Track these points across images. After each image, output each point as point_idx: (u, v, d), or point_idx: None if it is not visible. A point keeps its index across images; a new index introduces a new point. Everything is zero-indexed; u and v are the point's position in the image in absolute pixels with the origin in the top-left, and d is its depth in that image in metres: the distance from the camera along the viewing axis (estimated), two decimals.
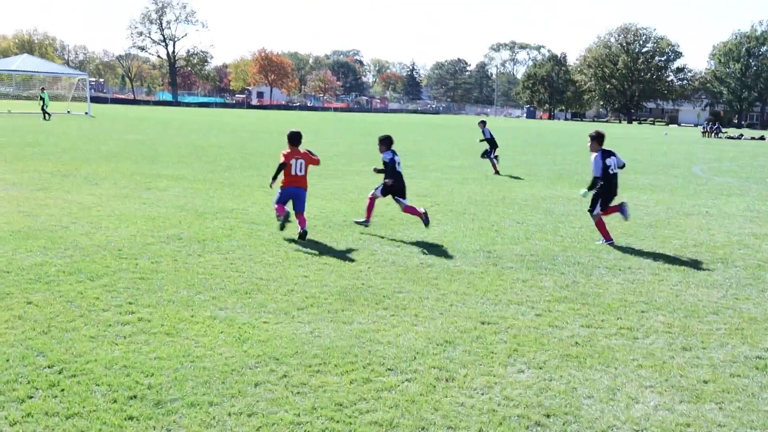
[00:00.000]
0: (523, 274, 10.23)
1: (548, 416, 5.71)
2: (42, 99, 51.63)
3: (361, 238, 12.27)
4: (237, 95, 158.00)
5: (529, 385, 6.28)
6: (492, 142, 25.24)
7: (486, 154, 25.24)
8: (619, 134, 73.12)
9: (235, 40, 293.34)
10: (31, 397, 5.61)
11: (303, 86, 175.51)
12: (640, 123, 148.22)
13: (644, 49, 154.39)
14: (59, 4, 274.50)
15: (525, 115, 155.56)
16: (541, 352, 7.09)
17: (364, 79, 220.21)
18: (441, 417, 5.61)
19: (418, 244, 11.98)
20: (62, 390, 5.76)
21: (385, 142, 13.24)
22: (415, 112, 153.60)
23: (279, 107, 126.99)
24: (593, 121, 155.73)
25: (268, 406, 5.65)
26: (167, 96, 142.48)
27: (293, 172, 12.29)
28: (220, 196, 16.39)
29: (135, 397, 5.69)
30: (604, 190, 12.57)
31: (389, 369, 6.49)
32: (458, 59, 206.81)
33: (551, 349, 7.20)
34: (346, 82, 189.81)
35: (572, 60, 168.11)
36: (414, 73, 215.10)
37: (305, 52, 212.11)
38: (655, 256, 11.72)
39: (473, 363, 6.73)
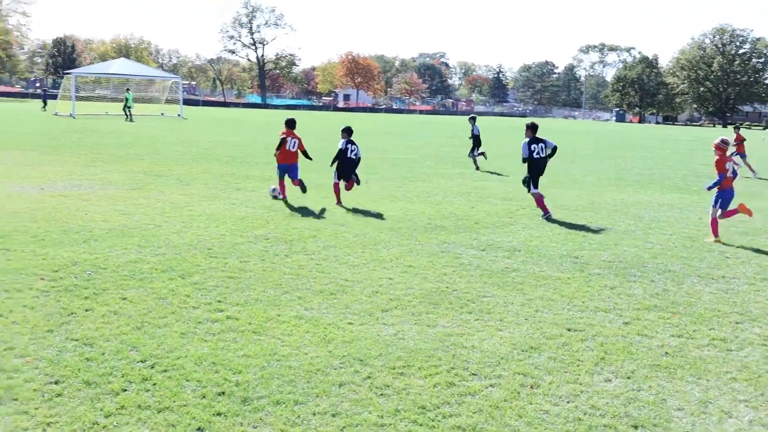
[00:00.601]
0: (611, 280, 10.03)
1: (636, 427, 5.58)
2: (126, 99, 52.83)
3: (446, 241, 12.25)
4: (324, 98, 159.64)
5: (616, 395, 6.15)
6: (477, 140, 26.30)
7: (471, 152, 26.31)
8: (713, 138, 70.75)
9: (322, 43, 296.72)
10: (125, 390, 5.80)
11: (389, 89, 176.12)
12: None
13: (740, 51, 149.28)
14: (155, 9, 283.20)
15: (614, 118, 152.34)
16: (630, 362, 6.93)
17: (449, 81, 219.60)
18: (525, 424, 5.55)
19: (503, 248, 11.89)
20: (154, 384, 5.93)
21: (344, 133, 16.44)
22: (501, 114, 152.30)
23: (365, 110, 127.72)
24: (686, 124, 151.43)
25: (352, 407, 5.69)
26: (256, 98, 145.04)
27: (288, 148, 16.21)
28: (307, 197, 16.60)
29: (223, 393, 5.82)
30: (532, 170, 15.38)
31: (473, 373, 6.46)
32: (546, 61, 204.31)
33: (640, 358, 7.04)
34: (432, 85, 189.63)
35: (664, 62, 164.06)
36: (500, 76, 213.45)
37: (392, 55, 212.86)
38: (751, 266, 11.32)
39: (559, 370, 6.63)
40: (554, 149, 15.61)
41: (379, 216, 14.54)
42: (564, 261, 11.12)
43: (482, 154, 26.46)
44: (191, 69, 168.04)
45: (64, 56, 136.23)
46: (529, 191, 15.54)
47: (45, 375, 6.01)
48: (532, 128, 15.39)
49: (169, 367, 6.27)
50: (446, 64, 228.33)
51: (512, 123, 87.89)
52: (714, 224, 13.40)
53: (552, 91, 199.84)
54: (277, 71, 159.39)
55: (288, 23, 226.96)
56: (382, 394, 5.94)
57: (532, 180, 15.43)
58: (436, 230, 13.25)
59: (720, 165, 13.30)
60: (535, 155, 15.39)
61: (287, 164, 16.29)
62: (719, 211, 13.44)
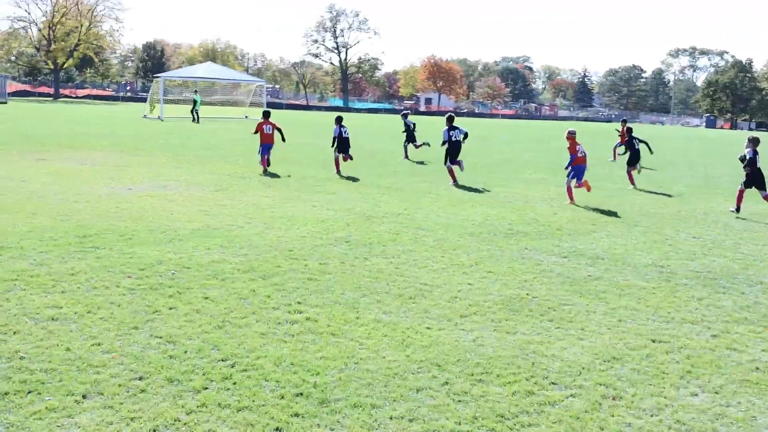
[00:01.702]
0: (698, 291, 9.74)
1: None
2: (194, 102, 53.04)
3: (527, 247, 12.12)
4: (405, 101, 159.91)
5: (703, 410, 5.96)
6: (410, 135, 28.67)
7: (407, 142, 28.68)
8: None
9: (405, 47, 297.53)
10: (206, 389, 5.92)
11: (471, 93, 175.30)
12: None
13: None
14: (242, 14, 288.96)
15: (704, 124, 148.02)
16: (718, 376, 6.71)
17: (533, 86, 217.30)
18: None
19: (585, 255, 11.69)
20: (234, 383, 6.03)
21: (337, 121, 22.94)
22: (585, 119, 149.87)
23: (446, 113, 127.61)
24: None
25: (429, 412, 5.67)
26: (338, 102, 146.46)
27: (266, 132, 22.02)
28: (387, 201, 16.66)
29: (301, 394, 5.88)
30: (450, 150, 21.11)
31: (553, 383, 6.36)
32: (633, 65, 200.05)
33: (729, 373, 6.81)
34: (515, 89, 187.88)
35: (759, 66, 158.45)
36: (585, 80, 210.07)
37: (474, 59, 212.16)
38: None
39: (642, 382, 6.47)
40: (466, 134, 21.66)
41: (459, 221, 14.49)
42: (649, 270, 10.86)
43: (425, 144, 28.78)
44: (275, 73, 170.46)
45: (153, 60, 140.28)
46: (445, 164, 21.26)
47: (130, 371, 6.18)
48: (449, 120, 21.55)
49: (248, 367, 6.37)
50: (530, 68, 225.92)
51: (598, 128, 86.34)
52: (569, 191, 18.02)
53: (639, 95, 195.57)
54: (360, 75, 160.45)
55: (371, 27, 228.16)
56: (459, 401, 5.90)
57: (449, 156, 21.17)
58: (517, 236, 13.12)
59: (572, 149, 17.93)
60: (453, 139, 21.20)
61: (267, 144, 22.04)
62: (574, 182, 17.92)
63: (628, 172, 22.53)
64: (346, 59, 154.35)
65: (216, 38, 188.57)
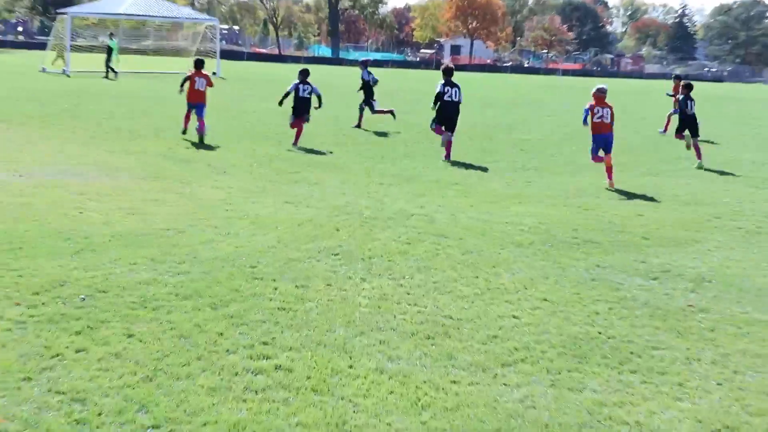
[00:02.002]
0: None
1: None
2: (109, 49, 53.48)
3: (599, 264, 12.08)
4: (422, 50, 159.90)
5: None
6: (368, 90, 30.36)
7: (364, 104, 30.48)
8: None
9: None
10: None
11: (518, 38, 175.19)
12: None
13: None
14: None
15: None
16: None
17: (608, 28, 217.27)
18: None
19: (684, 276, 11.66)
20: None
21: (300, 74, 25.19)
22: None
23: (482, 68, 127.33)
24: None
25: None
26: (325, 51, 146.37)
27: (196, 87, 23.92)
28: (394, 195, 16.63)
29: None
30: (439, 110, 22.89)
31: None
32: (754, 1, 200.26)
33: None
34: (582, 33, 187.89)
35: None
36: (684, 21, 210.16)
37: None
38: None
39: None
40: (459, 101, 23.10)
41: (499, 224, 14.46)
42: None
43: (390, 112, 30.64)
44: (233, 7, 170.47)
45: None
46: (431, 126, 23.30)
47: None
48: (447, 72, 23.17)
49: None
50: (604, 3, 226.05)
51: (702, 90, 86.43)
52: (608, 171, 19.65)
53: (763, 43, 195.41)
54: (356, 11, 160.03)
55: None
56: None
57: (437, 118, 23.01)
58: (584, 247, 13.09)
59: (592, 110, 19.96)
60: (446, 98, 22.86)
61: (195, 103, 23.92)
62: (602, 152, 20.02)
63: (694, 145, 24.37)
64: None
65: None
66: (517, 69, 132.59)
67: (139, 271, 10.49)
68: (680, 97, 25.23)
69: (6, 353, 7.69)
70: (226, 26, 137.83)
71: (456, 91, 22.91)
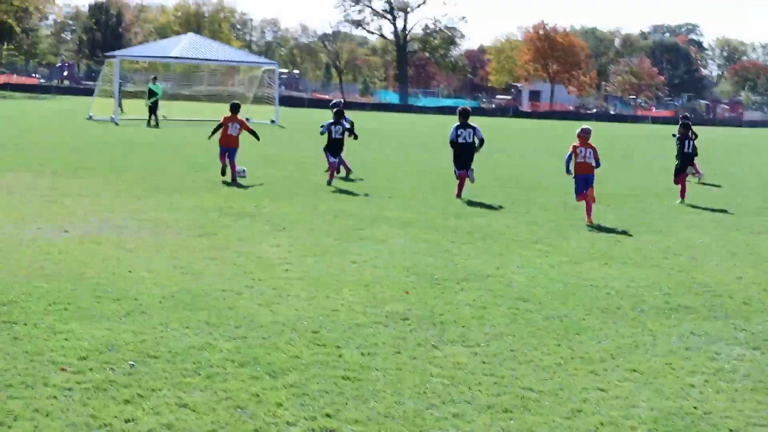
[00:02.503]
0: None
1: None
2: (151, 94, 53.93)
3: (694, 331, 11.95)
4: (498, 96, 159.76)
5: None
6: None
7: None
8: None
9: (496, 11, 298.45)
10: None
11: (604, 83, 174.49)
12: None
13: None
14: None
15: None
16: None
17: (703, 71, 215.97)
18: None
19: None
20: None
21: (334, 115, 28.43)
22: None
23: (564, 115, 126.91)
24: None
25: None
26: (392, 97, 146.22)
27: (229, 132, 26.44)
28: (469, 254, 16.61)
29: None
30: (454, 153, 25.80)
31: None
32: None
33: None
34: (674, 77, 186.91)
35: None
36: None
37: (608, 28, 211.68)
38: None
39: None
40: (482, 141, 25.65)
41: (584, 287, 14.38)
42: None
43: (347, 170, 30.20)
44: (293, 50, 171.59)
45: (104, 30, 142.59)
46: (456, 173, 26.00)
47: None
48: (461, 114, 26.08)
49: None
50: (698, 44, 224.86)
51: None
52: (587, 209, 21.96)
53: None
54: (426, 54, 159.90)
55: None
56: None
57: (455, 161, 25.83)
58: (677, 313, 12.97)
59: (574, 150, 22.34)
60: (459, 141, 25.63)
61: (229, 147, 26.43)
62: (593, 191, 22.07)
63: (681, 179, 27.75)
64: (404, 30, 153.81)
65: None
66: (603, 116, 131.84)
67: (192, 335, 10.58)
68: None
69: (51, 423, 7.78)
70: (285, 70, 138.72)
71: (470, 133, 25.59)
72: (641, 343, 11.34)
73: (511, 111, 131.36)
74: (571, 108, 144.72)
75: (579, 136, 22.09)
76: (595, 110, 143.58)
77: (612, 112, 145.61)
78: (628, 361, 10.52)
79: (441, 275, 14.70)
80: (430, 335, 11.12)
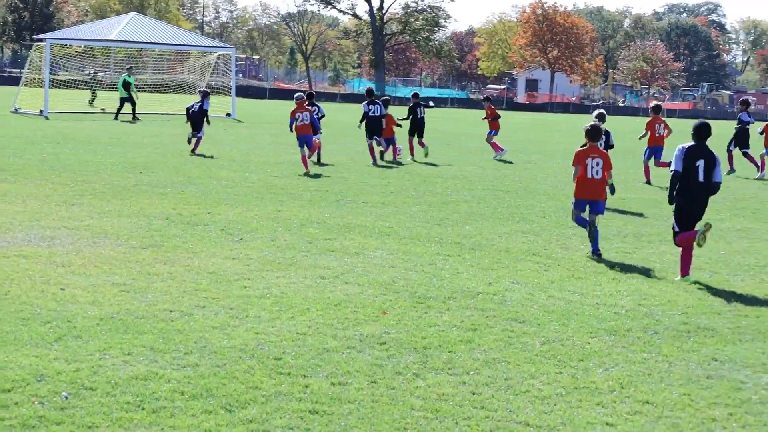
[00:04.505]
0: None
1: None
2: (125, 84, 55.07)
3: (715, 357, 11.98)
4: (490, 86, 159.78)
5: None
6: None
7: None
8: None
9: None
10: None
11: (612, 70, 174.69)
12: None
13: None
14: None
15: None
16: None
17: (726, 57, 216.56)
18: None
19: None
20: None
21: (367, 94, 38.82)
22: None
23: (565, 107, 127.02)
24: None
25: None
26: (368, 85, 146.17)
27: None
28: (456, 268, 16.64)
29: None
30: (367, 125, 35.98)
31: None
32: None
33: None
34: (693, 64, 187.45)
35: None
36: None
37: (616, 7, 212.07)
38: None
39: None
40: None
41: (588, 306, 14.42)
42: None
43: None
44: (253, 32, 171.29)
45: (32, 10, 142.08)
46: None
47: None
48: (369, 93, 37.23)
49: None
50: (720, 26, 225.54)
51: None
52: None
53: None
54: (407, 37, 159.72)
55: None
56: None
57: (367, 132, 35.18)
58: (696, 335, 13.02)
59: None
60: (371, 114, 34.70)
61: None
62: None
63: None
64: (381, 9, 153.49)
65: None
66: (610, 109, 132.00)
67: (135, 363, 10.55)
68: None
69: None
70: (243, 55, 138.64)
71: (379, 107, 35.45)
72: (655, 370, 11.37)
73: (505, 102, 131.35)
74: (573, 99, 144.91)
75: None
76: (601, 101, 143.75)
77: (621, 104, 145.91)
78: (639, 391, 10.55)
79: (423, 293, 14.71)
80: (410, 362, 11.13)
